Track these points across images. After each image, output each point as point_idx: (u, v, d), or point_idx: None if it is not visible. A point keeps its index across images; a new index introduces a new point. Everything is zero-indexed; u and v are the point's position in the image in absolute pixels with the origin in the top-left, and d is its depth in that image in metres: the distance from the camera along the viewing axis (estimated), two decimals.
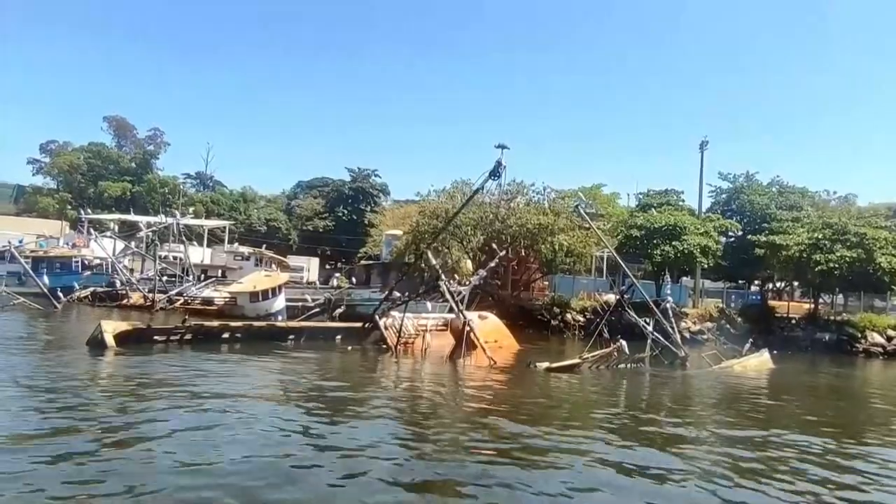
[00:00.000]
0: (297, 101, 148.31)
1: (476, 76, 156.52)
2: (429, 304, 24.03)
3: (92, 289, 39.52)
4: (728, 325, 34.79)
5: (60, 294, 35.54)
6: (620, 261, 26.69)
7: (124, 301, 37.45)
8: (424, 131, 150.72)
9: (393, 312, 22.81)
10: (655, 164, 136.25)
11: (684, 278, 43.50)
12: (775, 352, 25.64)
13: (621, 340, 19.47)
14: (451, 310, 22.31)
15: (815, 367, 26.92)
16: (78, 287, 39.35)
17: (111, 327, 18.41)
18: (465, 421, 11.73)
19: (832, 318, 35.76)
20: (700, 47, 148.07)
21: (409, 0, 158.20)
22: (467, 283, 24.89)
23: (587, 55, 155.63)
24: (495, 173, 19.55)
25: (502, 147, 19.14)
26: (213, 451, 8.42)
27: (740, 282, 49.63)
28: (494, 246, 27.41)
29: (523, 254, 39.02)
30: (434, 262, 22.46)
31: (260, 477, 7.41)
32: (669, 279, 32.23)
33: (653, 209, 41.45)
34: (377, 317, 22.61)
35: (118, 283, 40.43)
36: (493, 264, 26.01)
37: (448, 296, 21.30)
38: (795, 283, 47.38)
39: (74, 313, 32.70)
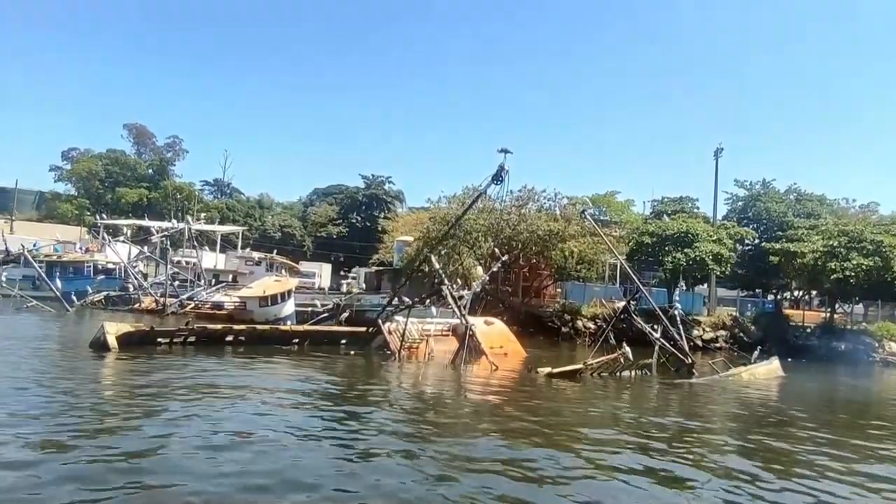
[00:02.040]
0: (313, 108, 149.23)
1: (489, 82, 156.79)
2: (434, 310, 23.82)
3: (105, 293, 39.99)
4: (741, 334, 34.23)
5: (74, 297, 35.97)
6: (628, 267, 26.41)
7: (136, 305, 37.95)
8: (444, 139, 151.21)
9: (397, 317, 22.70)
10: (671, 171, 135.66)
11: (699, 286, 42.94)
12: (788, 360, 25.12)
13: (626, 347, 19.17)
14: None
15: (828, 375, 26.23)
16: (91, 291, 39.83)
17: (114, 329, 18.35)
18: (451, 432, 11.43)
19: (848, 326, 35.03)
20: (716, 52, 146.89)
21: (425, 5, 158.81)
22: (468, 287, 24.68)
23: (599, 59, 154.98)
24: (498, 178, 19.34)
25: (505, 151, 18.93)
26: (206, 455, 8.23)
27: (757, 290, 48.88)
28: (497, 251, 27.15)
29: (534, 260, 38.80)
30: (437, 266, 22.27)
31: (250, 481, 7.23)
32: (684, 286, 31.73)
33: (666, 216, 41.07)
34: (381, 321, 22.52)
35: (131, 288, 40.93)
36: (495, 269, 25.79)
37: (450, 300, 21.13)
38: (813, 293, 46.61)
39: (87, 316, 32.97)
